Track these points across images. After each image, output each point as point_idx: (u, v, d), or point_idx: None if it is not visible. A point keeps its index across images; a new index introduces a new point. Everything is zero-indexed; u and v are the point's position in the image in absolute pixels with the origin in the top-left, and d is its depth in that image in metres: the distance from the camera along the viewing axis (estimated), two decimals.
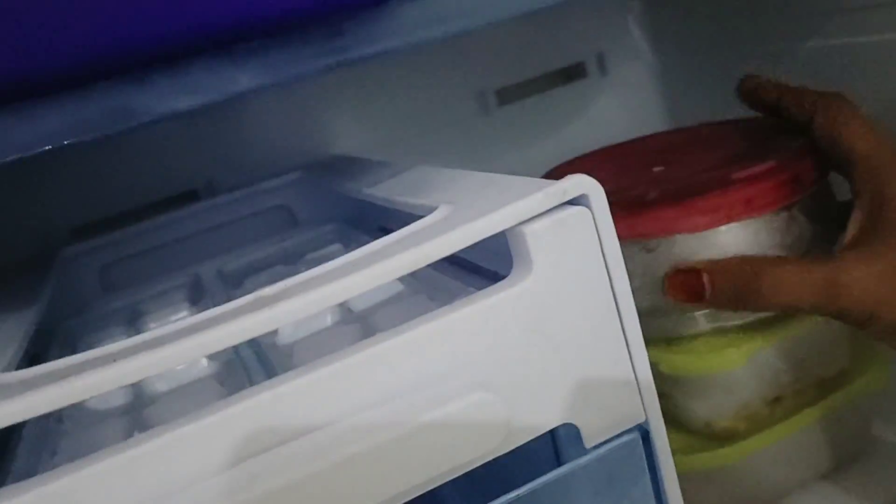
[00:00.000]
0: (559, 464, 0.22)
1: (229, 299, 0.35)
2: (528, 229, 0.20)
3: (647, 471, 0.23)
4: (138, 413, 0.26)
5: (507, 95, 0.54)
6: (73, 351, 0.33)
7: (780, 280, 0.29)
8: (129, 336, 0.34)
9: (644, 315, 0.22)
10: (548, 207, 0.20)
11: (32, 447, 0.24)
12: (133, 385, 0.28)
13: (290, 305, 0.19)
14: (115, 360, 0.18)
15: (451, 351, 0.20)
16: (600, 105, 0.56)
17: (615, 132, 0.46)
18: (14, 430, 0.25)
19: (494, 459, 0.21)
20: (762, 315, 0.34)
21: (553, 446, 0.24)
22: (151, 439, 0.17)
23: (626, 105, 0.56)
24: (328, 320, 0.30)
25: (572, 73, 0.55)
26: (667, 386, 0.34)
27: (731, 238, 0.33)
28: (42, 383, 0.18)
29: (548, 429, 0.21)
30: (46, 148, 0.20)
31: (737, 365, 0.32)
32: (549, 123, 0.54)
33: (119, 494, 0.17)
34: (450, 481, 0.20)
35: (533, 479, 0.21)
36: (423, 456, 0.19)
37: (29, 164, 0.42)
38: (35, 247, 0.42)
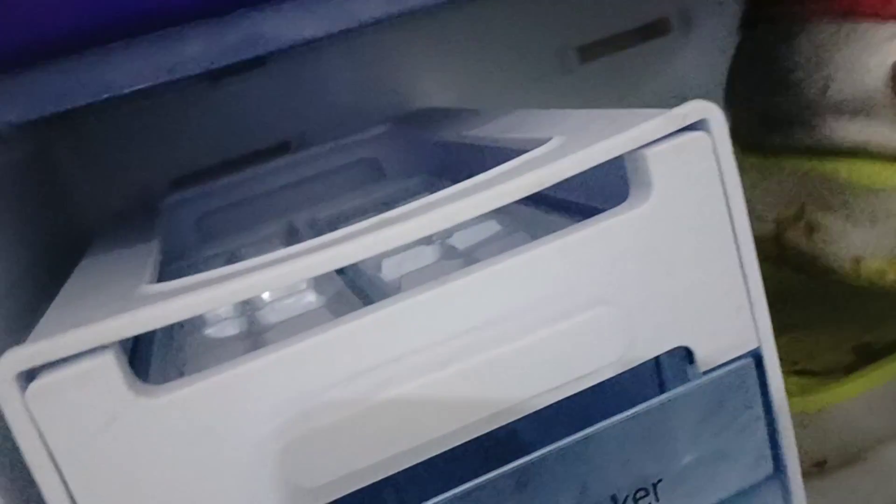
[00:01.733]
0: (662, 391, 0.23)
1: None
2: (650, 152, 0.20)
3: (759, 397, 0.23)
4: (256, 338, 0.28)
5: (588, 53, 0.53)
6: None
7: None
8: None
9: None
10: (668, 132, 0.21)
11: (160, 366, 0.26)
12: (245, 316, 0.29)
13: (417, 223, 0.20)
14: (254, 270, 0.19)
15: (571, 270, 0.20)
16: (683, 62, 0.55)
17: (698, 91, 0.46)
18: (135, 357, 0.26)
19: (600, 386, 0.22)
20: None
21: (657, 375, 0.25)
22: (301, 340, 0.18)
23: (709, 63, 0.55)
24: (430, 257, 0.31)
25: (655, 30, 0.54)
26: (819, 213, 0.32)
27: None
28: (188, 290, 0.19)
29: (664, 350, 0.22)
30: (193, 72, 0.21)
31: None
32: (631, 81, 0.54)
33: (281, 386, 0.18)
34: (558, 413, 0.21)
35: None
36: (546, 365, 0.19)
37: (131, 117, 0.44)
38: (139, 198, 0.44)
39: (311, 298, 0.30)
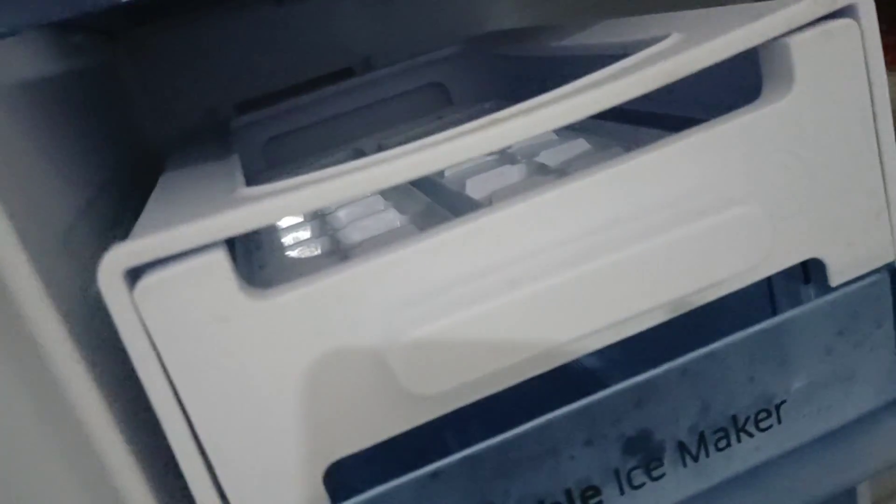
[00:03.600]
0: (774, 314, 0.21)
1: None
2: (793, 41, 0.19)
3: (892, 313, 0.21)
4: (340, 256, 0.26)
5: None
6: None
7: None
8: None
9: None
10: (815, 17, 0.19)
11: (243, 263, 0.25)
12: (327, 236, 0.28)
13: (520, 122, 0.18)
14: (349, 172, 0.18)
15: (706, 169, 0.19)
16: None
17: None
18: None
19: (714, 307, 0.20)
20: None
21: (769, 291, 0.23)
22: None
23: None
24: (516, 176, 0.29)
25: None
26: None
27: None
28: (289, 190, 0.18)
29: (799, 260, 0.20)
30: None
31: None
32: None
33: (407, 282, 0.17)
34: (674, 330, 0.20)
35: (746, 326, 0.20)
36: (680, 268, 0.18)
37: (196, 38, 0.43)
38: (204, 121, 0.43)
39: (391, 216, 0.29)
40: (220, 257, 0.16)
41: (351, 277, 0.17)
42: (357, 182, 0.17)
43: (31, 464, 0.17)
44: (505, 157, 0.31)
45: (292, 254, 0.29)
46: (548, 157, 0.29)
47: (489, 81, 0.43)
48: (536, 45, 0.33)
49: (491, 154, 0.31)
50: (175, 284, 0.16)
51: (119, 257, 0.16)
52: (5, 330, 0.16)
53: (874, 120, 0.20)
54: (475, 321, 0.17)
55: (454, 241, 0.18)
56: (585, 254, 0.18)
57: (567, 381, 0.20)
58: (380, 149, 0.40)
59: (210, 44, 0.44)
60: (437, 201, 0.29)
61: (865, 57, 0.19)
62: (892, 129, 0.20)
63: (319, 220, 0.31)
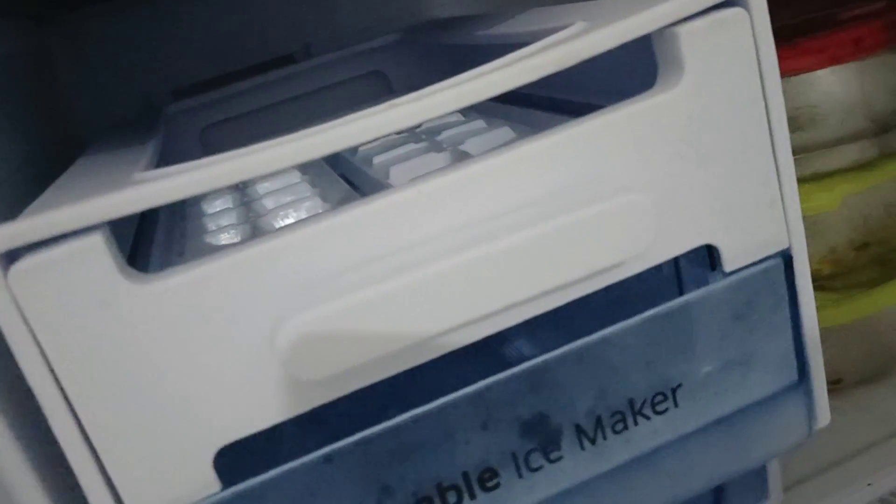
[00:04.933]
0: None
1: (327, 162, 0.34)
2: (683, 30, 0.19)
3: (787, 299, 0.22)
4: (253, 223, 0.26)
5: None
6: (182, 205, 0.33)
7: None
8: (235, 192, 0.34)
9: None
10: (706, 6, 0.19)
11: (163, 251, 0.25)
12: (248, 224, 0.28)
13: (426, 103, 0.18)
14: (246, 154, 0.18)
15: (596, 156, 0.19)
16: None
17: None
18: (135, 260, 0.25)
19: (620, 288, 0.21)
20: (855, 159, 0.32)
21: (677, 278, 0.24)
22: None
23: None
24: (441, 163, 0.29)
25: None
26: None
27: (838, 80, 0.31)
28: (180, 172, 0.17)
29: (691, 247, 0.20)
30: None
31: (829, 208, 0.31)
32: None
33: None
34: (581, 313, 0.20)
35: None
36: (569, 254, 0.18)
37: (131, 22, 0.42)
38: (140, 107, 0.42)
39: (314, 204, 0.29)
40: (98, 241, 0.16)
41: (237, 261, 0.17)
42: (247, 164, 0.17)
43: None
44: (432, 145, 0.31)
45: (211, 241, 0.29)
46: (472, 146, 0.29)
47: (428, 69, 0.43)
48: (467, 34, 0.33)
49: (419, 143, 0.31)
50: (51, 268, 0.16)
51: None
52: None
53: (766, 109, 0.20)
54: (362, 307, 0.17)
55: (342, 226, 0.18)
56: (473, 240, 0.18)
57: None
58: None
59: (147, 28, 0.43)
60: (360, 189, 0.29)
61: (756, 46, 0.20)
62: (784, 118, 0.20)
63: (245, 207, 0.31)
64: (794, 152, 0.21)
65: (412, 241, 0.18)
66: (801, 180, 0.31)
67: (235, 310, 0.17)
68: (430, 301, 0.17)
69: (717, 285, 0.21)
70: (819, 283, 0.33)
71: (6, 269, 0.16)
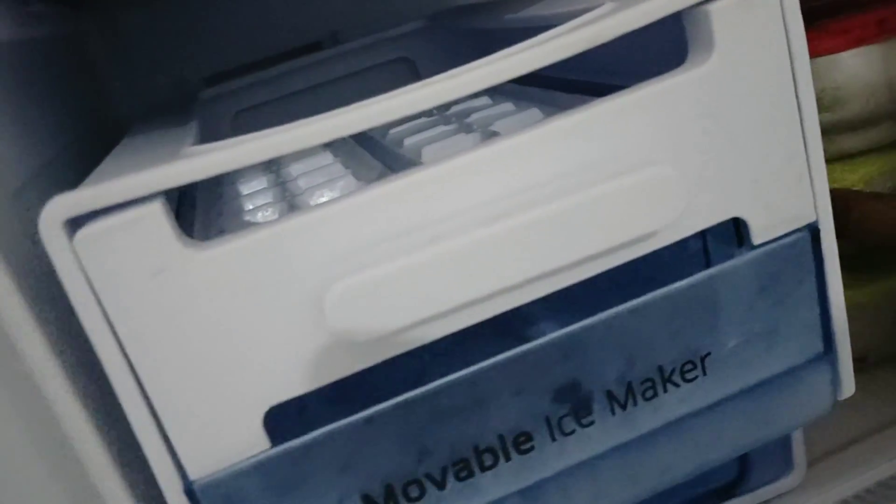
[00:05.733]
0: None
1: (359, 144, 0.35)
2: (713, 7, 0.19)
3: (813, 273, 0.22)
4: (289, 202, 0.27)
5: None
6: (219, 186, 0.34)
7: (867, 216, 0.29)
8: (269, 174, 0.35)
9: None
10: None
11: (203, 228, 0.26)
12: (285, 202, 0.29)
13: (461, 80, 0.19)
14: (288, 129, 0.19)
15: (627, 130, 0.19)
16: None
17: None
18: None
19: (648, 269, 0.21)
20: (879, 140, 0.32)
21: (704, 256, 0.24)
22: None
23: None
24: (471, 144, 0.30)
25: None
26: None
27: (862, 62, 0.31)
28: (229, 146, 0.18)
29: (719, 220, 0.21)
30: None
31: (853, 188, 0.31)
32: None
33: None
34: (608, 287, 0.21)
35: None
36: (600, 224, 0.19)
37: (164, 11, 0.43)
38: (173, 94, 0.44)
39: (348, 183, 0.30)
40: (157, 209, 0.17)
41: (287, 230, 0.18)
42: (290, 139, 0.18)
43: None
44: (462, 127, 0.32)
45: (249, 218, 0.30)
46: (502, 127, 0.30)
47: (455, 55, 0.43)
48: (495, 18, 0.34)
49: (448, 125, 0.31)
50: (113, 235, 0.17)
51: (59, 207, 0.17)
52: None
53: (795, 86, 0.21)
54: (405, 272, 0.18)
55: (385, 197, 0.18)
56: (509, 210, 0.19)
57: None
58: None
59: (180, 16, 0.44)
60: (392, 168, 0.30)
61: (785, 23, 0.20)
62: (812, 94, 0.21)
63: (280, 187, 0.32)
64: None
65: (451, 212, 0.19)
66: (826, 161, 0.32)
67: (285, 275, 0.18)
68: (467, 267, 0.18)
69: (744, 257, 0.21)
70: (844, 262, 0.33)
71: (72, 234, 0.17)
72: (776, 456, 0.29)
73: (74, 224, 0.17)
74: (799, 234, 0.22)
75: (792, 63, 0.20)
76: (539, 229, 0.18)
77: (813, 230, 0.22)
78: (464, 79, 0.19)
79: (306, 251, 0.18)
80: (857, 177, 0.32)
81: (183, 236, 0.18)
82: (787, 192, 0.21)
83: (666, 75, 0.20)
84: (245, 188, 0.33)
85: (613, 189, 0.19)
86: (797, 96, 0.21)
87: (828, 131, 0.32)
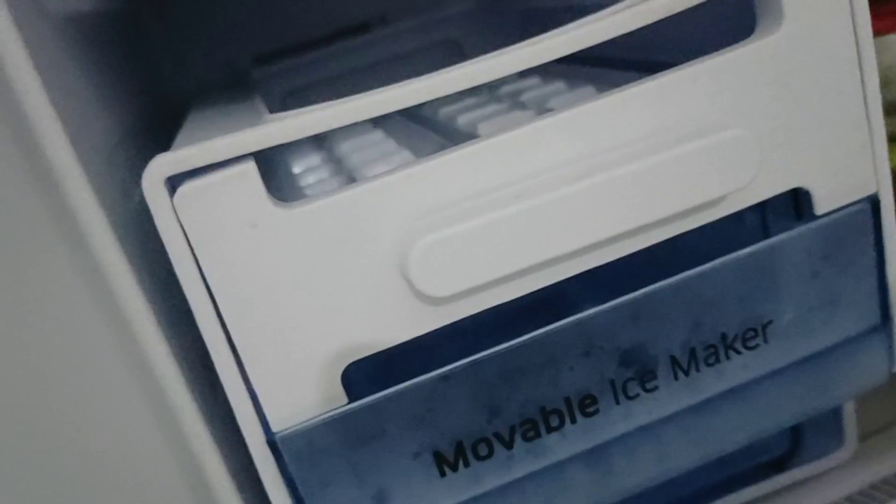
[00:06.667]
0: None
1: (408, 125, 0.36)
2: None
3: (873, 242, 0.23)
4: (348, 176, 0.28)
5: None
6: (271, 165, 0.35)
7: None
8: (321, 151, 0.35)
9: None
10: None
11: None
12: (343, 176, 0.30)
13: (508, 58, 0.20)
14: (359, 98, 0.20)
15: (700, 97, 0.20)
16: None
17: None
18: None
19: (708, 246, 0.22)
20: None
21: (761, 219, 0.25)
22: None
23: None
24: (501, 108, 0.31)
25: None
26: None
27: None
28: (312, 111, 0.19)
29: (787, 188, 0.21)
30: None
31: None
32: None
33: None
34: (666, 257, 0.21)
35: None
36: (674, 186, 0.19)
37: None
38: (224, 73, 0.44)
39: (405, 156, 0.31)
40: (251, 168, 0.18)
41: (368, 191, 0.19)
42: (364, 106, 0.19)
43: (83, 351, 0.19)
44: (515, 104, 0.32)
45: (311, 192, 0.30)
46: (557, 104, 0.31)
47: (502, 37, 0.44)
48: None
49: (503, 102, 0.32)
50: (210, 192, 0.18)
51: (161, 165, 0.17)
52: (60, 230, 0.18)
53: (859, 57, 0.21)
54: (484, 229, 0.19)
55: (465, 158, 0.19)
56: (585, 172, 0.19)
57: None
58: None
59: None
60: (451, 142, 0.30)
61: None
62: (875, 67, 0.21)
63: (336, 163, 0.33)
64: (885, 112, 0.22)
65: (532, 173, 0.19)
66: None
67: (370, 233, 0.19)
68: (548, 225, 0.19)
69: (808, 226, 0.22)
70: None
71: (172, 192, 0.18)
72: (828, 430, 0.29)
73: (171, 182, 0.18)
74: (860, 205, 0.22)
75: (856, 34, 0.21)
76: (619, 188, 0.19)
77: (873, 201, 0.22)
78: (513, 56, 0.19)
79: (389, 209, 0.19)
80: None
81: (273, 196, 0.19)
82: (849, 162, 0.22)
83: (736, 45, 0.20)
84: (299, 166, 0.34)
85: (691, 149, 0.19)
86: (861, 68, 0.21)
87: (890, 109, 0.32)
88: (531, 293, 0.21)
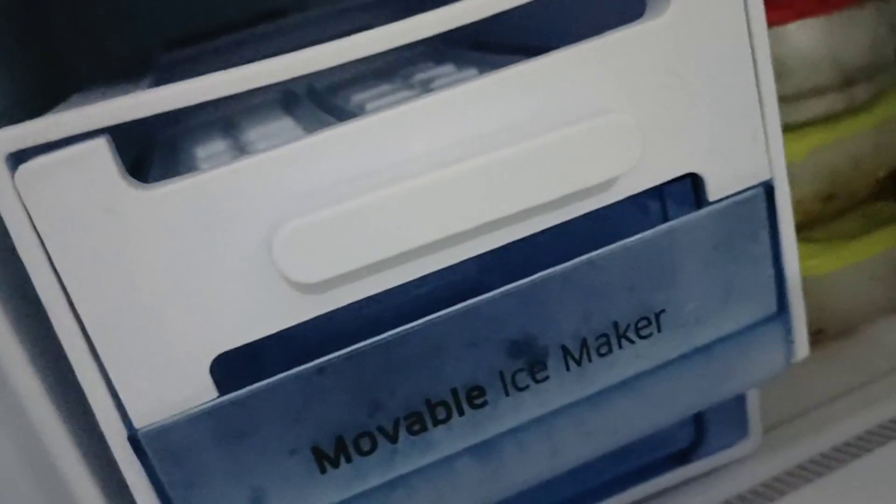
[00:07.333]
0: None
1: (323, 111, 0.35)
2: None
3: (767, 230, 0.22)
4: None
5: None
6: (175, 153, 0.33)
7: None
8: (227, 139, 0.34)
9: None
10: None
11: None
12: (235, 150, 0.28)
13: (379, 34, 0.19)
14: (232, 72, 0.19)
15: (584, 79, 0.19)
16: None
17: None
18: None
19: (609, 233, 0.21)
20: (822, 112, 0.33)
21: (662, 209, 0.24)
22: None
23: None
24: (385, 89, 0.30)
25: None
26: None
27: (805, 35, 0.32)
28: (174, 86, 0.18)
29: (675, 175, 0.21)
30: None
31: (796, 159, 0.31)
32: None
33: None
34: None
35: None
36: (556, 171, 0.19)
37: None
38: (132, 59, 0.43)
39: (298, 135, 0.30)
40: (101, 145, 0.17)
41: (235, 170, 0.18)
42: (231, 79, 0.18)
43: None
44: (405, 85, 0.32)
45: (199, 153, 0.29)
46: (442, 84, 0.30)
47: None
48: None
49: (392, 84, 0.31)
50: (56, 171, 0.16)
51: (2, 140, 0.16)
52: None
53: (751, 43, 0.21)
54: (355, 213, 0.18)
55: (336, 140, 0.18)
56: (463, 155, 0.18)
57: None
58: (311, 91, 0.41)
59: None
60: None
61: None
62: (768, 53, 0.21)
63: (240, 150, 0.32)
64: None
65: (404, 157, 0.19)
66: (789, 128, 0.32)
67: (234, 217, 0.18)
68: (422, 210, 0.18)
69: (700, 213, 0.22)
70: (804, 233, 0.34)
71: (13, 170, 0.16)
72: (732, 421, 0.29)
73: (18, 161, 0.17)
74: (754, 191, 0.22)
75: (748, 20, 0.20)
76: (498, 171, 0.18)
77: (768, 188, 0.22)
78: (393, 30, 0.19)
79: (256, 192, 0.18)
80: (801, 147, 0.32)
81: (129, 177, 0.17)
82: (742, 148, 0.21)
83: (623, 27, 0.20)
84: (202, 151, 0.32)
85: (572, 133, 0.18)
86: (753, 54, 0.21)
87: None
88: (427, 289, 0.20)
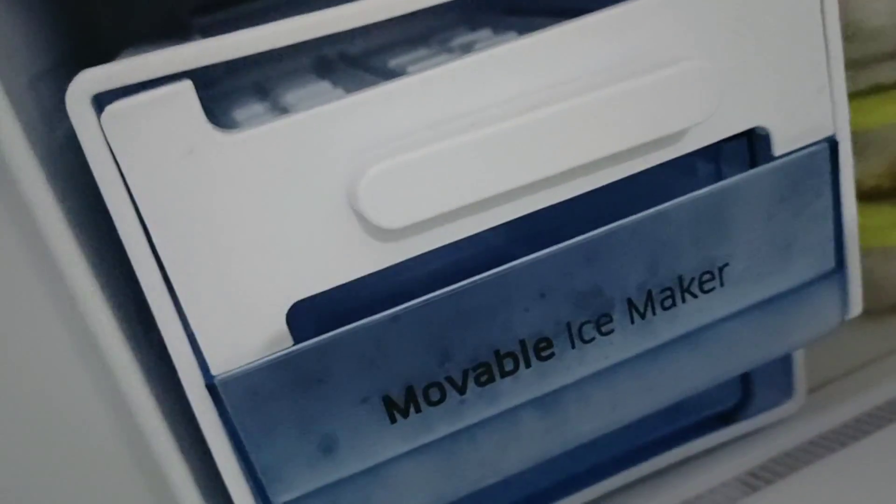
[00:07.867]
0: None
1: (355, 76, 0.35)
2: None
3: (830, 185, 0.22)
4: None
5: None
6: (212, 117, 0.33)
7: None
8: (262, 102, 0.34)
9: None
10: None
11: None
12: (266, 102, 0.28)
13: None
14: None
15: (659, 27, 0.19)
16: None
17: None
18: None
19: (659, 190, 0.21)
20: None
21: (717, 174, 0.24)
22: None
23: None
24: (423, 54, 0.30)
25: None
26: None
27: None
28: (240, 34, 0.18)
29: (746, 127, 0.21)
30: None
31: (894, 119, 0.31)
32: None
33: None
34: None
35: None
36: (633, 118, 0.19)
37: None
38: (162, 23, 0.42)
39: (339, 95, 0.29)
40: (187, 88, 0.17)
41: (315, 117, 0.18)
42: (294, 28, 0.18)
43: (8, 293, 0.18)
44: (443, 49, 0.32)
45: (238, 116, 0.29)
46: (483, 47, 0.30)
47: None
48: None
49: (430, 49, 0.31)
50: (142, 112, 0.16)
51: (88, 81, 0.16)
52: None
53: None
54: (437, 158, 0.18)
55: (418, 86, 0.18)
56: (541, 103, 0.18)
57: None
58: (342, 58, 0.40)
59: None
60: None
61: None
62: (836, 9, 0.21)
63: (271, 102, 0.32)
64: (850, 66, 0.21)
65: (481, 105, 0.18)
66: (863, 93, 0.31)
67: (317, 161, 0.18)
68: (502, 157, 0.18)
69: (765, 167, 0.22)
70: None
71: (99, 111, 0.16)
72: (778, 381, 0.29)
73: (101, 103, 0.16)
74: (818, 147, 0.22)
75: None
76: (576, 119, 0.18)
77: (832, 143, 0.22)
78: None
79: (340, 137, 0.18)
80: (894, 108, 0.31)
81: (211, 120, 0.17)
82: (808, 103, 0.21)
83: None
84: (240, 115, 0.32)
85: (651, 80, 0.18)
86: (822, 9, 0.21)
87: (856, 65, 0.31)
88: (486, 253, 0.20)
